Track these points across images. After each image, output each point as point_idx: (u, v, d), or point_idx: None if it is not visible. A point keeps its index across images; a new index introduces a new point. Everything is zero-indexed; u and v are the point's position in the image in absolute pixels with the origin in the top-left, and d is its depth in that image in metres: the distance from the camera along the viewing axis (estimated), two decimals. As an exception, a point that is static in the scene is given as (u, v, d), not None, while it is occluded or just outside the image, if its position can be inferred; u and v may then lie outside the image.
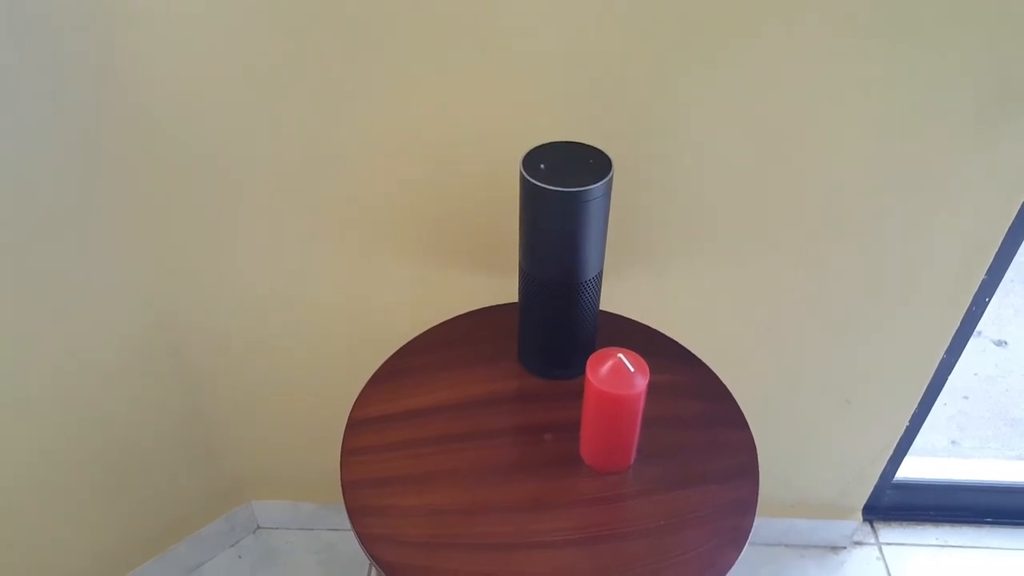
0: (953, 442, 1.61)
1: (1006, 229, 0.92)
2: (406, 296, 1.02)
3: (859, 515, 1.33)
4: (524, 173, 0.68)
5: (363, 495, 0.73)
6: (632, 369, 0.67)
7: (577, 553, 0.68)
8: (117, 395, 1.06)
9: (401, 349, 0.87)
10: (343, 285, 1.02)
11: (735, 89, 0.81)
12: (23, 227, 0.87)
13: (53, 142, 0.84)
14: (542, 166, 0.69)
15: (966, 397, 1.71)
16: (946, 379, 1.15)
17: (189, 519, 1.28)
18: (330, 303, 1.04)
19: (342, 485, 0.74)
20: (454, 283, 1.00)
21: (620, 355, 0.68)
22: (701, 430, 0.79)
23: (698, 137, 0.85)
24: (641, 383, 0.67)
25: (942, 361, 1.09)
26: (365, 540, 0.69)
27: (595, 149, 0.71)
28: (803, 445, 1.20)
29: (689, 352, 0.87)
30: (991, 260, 0.95)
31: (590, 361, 0.69)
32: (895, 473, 1.32)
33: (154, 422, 1.13)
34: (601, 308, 0.90)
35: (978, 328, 1.86)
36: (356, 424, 0.79)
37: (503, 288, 0.99)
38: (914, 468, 1.37)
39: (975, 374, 1.76)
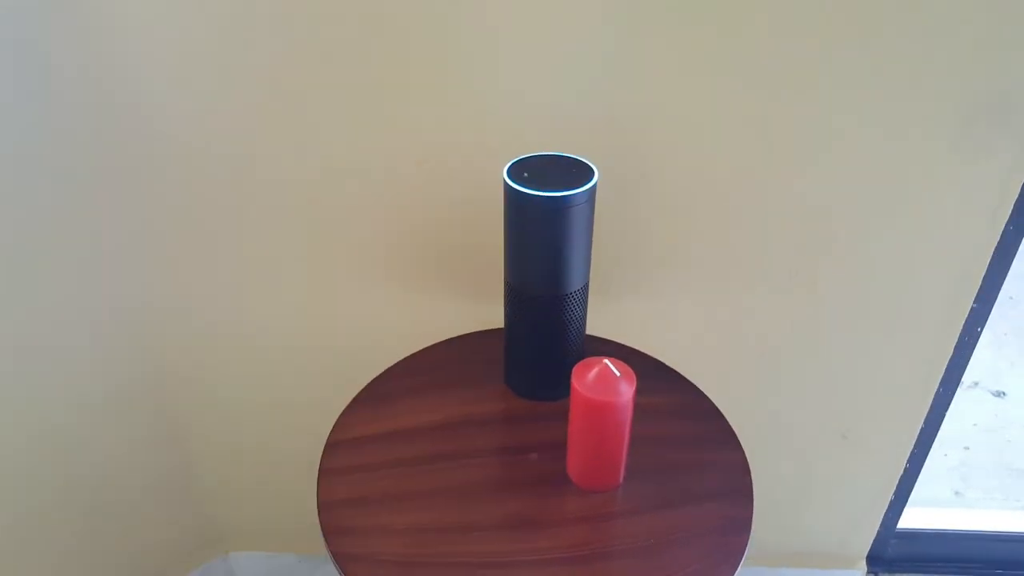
0: (957, 493, 1.56)
1: (990, 254, 0.92)
2: (395, 330, 1.01)
3: (863, 564, 1.27)
4: (507, 180, 0.69)
5: (340, 515, 0.69)
6: (618, 375, 0.65)
7: (561, 572, 0.64)
8: (93, 441, 1.03)
9: (385, 372, 0.86)
10: (330, 323, 1.01)
11: (722, 111, 0.83)
12: (8, 268, 0.86)
13: (43, 187, 0.84)
14: (525, 174, 0.69)
15: (967, 447, 1.67)
16: (944, 415, 1.13)
17: (163, 571, 1.22)
18: (315, 340, 1.03)
19: (318, 505, 0.71)
20: (442, 312, 0.99)
21: (606, 361, 0.66)
22: (692, 450, 0.76)
23: (685, 159, 0.86)
24: (628, 390, 0.65)
25: (938, 394, 1.07)
26: (339, 559, 0.65)
27: (578, 160, 0.72)
28: (800, 485, 1.17)
29: (678, 374, 0.85)
30: (979, 286, 0.95)
31: (576, 369, 0.67)
32: (897, 521, 1.27)
33: (130, 469, 1.09)
34: (589, 333, 0.89)
35: (975, 379, 1.85)
36: (335, 445, 0.77)
37: (491, 315, 0.98)
38: (918, 518, 1.33)
39: (974, 424, 1.73)
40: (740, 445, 0.77)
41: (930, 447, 1.17)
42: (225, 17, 0.79)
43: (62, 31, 0.79)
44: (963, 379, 1.08)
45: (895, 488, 1.18)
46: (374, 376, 0.85)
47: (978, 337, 1.05)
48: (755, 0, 0.76)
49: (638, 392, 0.67)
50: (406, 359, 0.87)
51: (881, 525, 1.24)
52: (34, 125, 0.82)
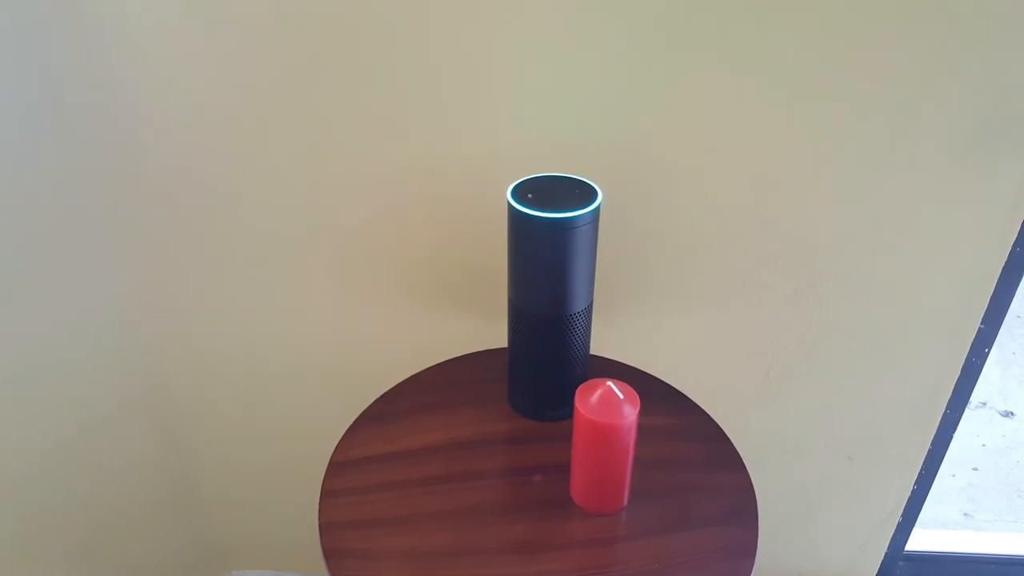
0: (965, 514, 1.55)
1: (998, 275, 0.92)
2: (399, 349, 1.01)
3: (871, 588, 1.26)
4: (511, 201, 0.69)
5: (342, 537, 0.69)
6: (622, 397, 0.65)
7: (566, 597, 0.64)
8: (96, 458, 1.02)
9: (388, 392, 0.85)
10: (332, 341, 1.01)
11: (725, 130, 0.83)
12: (12, 284, 0.86)
13: (48, 206, 0.85)
14: (529, 195, 0.69)
15: (976, 468, 1.66)
16: (951, 437, 1.11)
17: (164, 589, 1.21)
18: (319, 359, 1.03)
19: (319, 527, 0.70)
20: (445, 331, 0.99)
21: (610, 383, 0.66)
22: (697, 472, 0.76)
23: (689, 178, 0.86)
24: (631, 413, 0.65)
25: (945, 416, 1.06)
26: (341, 583, 0.65)
27: (582, 181, 0.72)
28: (807, 507, 1.15)
29: (683, 395, 0.84)
30: (986, 306, 0.94)
31: (579, 391, 0.67)
32: (906, 543, 1.26)
33: (133, 486, 1.09)
34: (593, 352, 0.88)
35: (983, 399, 1.84)
36: (338, 466, 0.76)
37: (495, 334, 0.97)
38: (926, 540, 1.31)
39: (983, 445, 1.72)
40: (745, 467, 0.76)
41: (938, 469, 1.15)
42: (234, 40, 0.80)
43: (70, 66, 0.80)
44: (971, 399, 1.07)
45: (903, 510, 1.17)
46: (377, 395, 0.85)
47: (986, 358, 1.04)
48: (757, 23, 0.76)
49: (642, 413, 0.66)
50: (409, 379, 0.87)
51: (889, 547, 1.22)
52: (41, 147, 0.83)
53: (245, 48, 0.80)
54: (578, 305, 0.73)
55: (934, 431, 1.07)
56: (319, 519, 0.71)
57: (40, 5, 0.77)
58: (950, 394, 1.03)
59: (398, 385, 0.86)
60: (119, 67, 0.82)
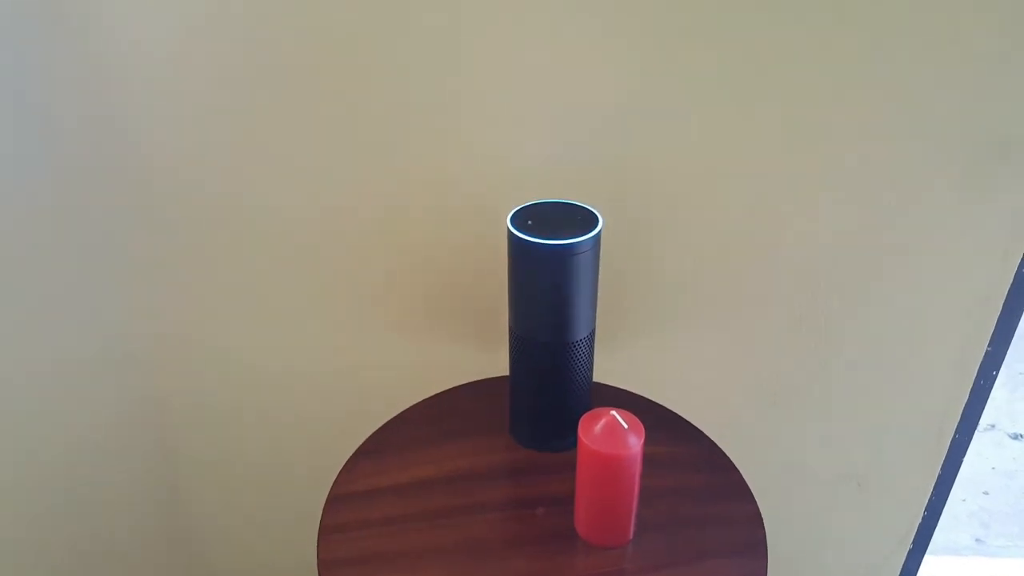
0: (977, 540, 1.52)
1: (1004, 296, 0.91)
2: (398, 378, 1.00)
3: (883, 618, 1.23)
4: (511, 228, 0.68)
5: (341, 574, 0.67)
6: (626, 426, 0.64)
7: (572, 635, 0.62)
8: (86, 480, 1.01)
9: (388, 422, 0.84)
10: (331, 369, 1.00)
11: (728, 156, 0.82)
12: (9, 286, 0.85)
13: (47, 219, 0.84)
14: (529, 222, 0.69)
15: (986, 492, 1.63)
16: (960, 462, 1.10)
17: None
18: (318, 391, 1.02)
19: (318, 565, 0.68)
20: (445, 358, 0.98)
21: (613, 412, 0.65)
22: (705, 503, 0.74)
23: (691, 204, 0.86)
24: (636, 443, 0.64)
25: (954, 441, 1.04)
26: (340, 622, 0.63)
27: (583, 207, 0.71)
28: (815, 536, 1.13)
29: (690, 424, 0.83)
30: (993, 328, 0.93)
31: (582, 421, 0.66)
32: (917, 571, 1.23)
33: (123, 512, 1.07)
34: (596, 380, 0.87)
35: (991, 421, 1.82)
36: (337, 500, 0.75)
37: (495, 363, 0.96)
38: (940, 567, 1.29)
39: (993, 468, 1.69)
40: (753, 497, 0.74)
41: (948, 494, 1.13)
42: (227, 61, 0.80)
43: (68, 66, 0.80)
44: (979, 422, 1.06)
45: (913, 536, 1.14)
46: (376, 424, 0.83)
47: (994, 380, 1.03)
48: (760, 48, 0.76)
49: (647, 442, 0.65)
50: (408, 409, 0.86)
51: (900, 575, 1.20)
52: (37, 161, 0.82)
53: (245, 55, 0.80)
54: (580, 332, 0.72)
55: (943, 456, 1.05)
56: (318, 555, 0.69)
57: (39, 11, 0.77)
58: (959, 418, 1.01)
59: (396, 416, 0.85)
60: (117, 67, 0.81)
